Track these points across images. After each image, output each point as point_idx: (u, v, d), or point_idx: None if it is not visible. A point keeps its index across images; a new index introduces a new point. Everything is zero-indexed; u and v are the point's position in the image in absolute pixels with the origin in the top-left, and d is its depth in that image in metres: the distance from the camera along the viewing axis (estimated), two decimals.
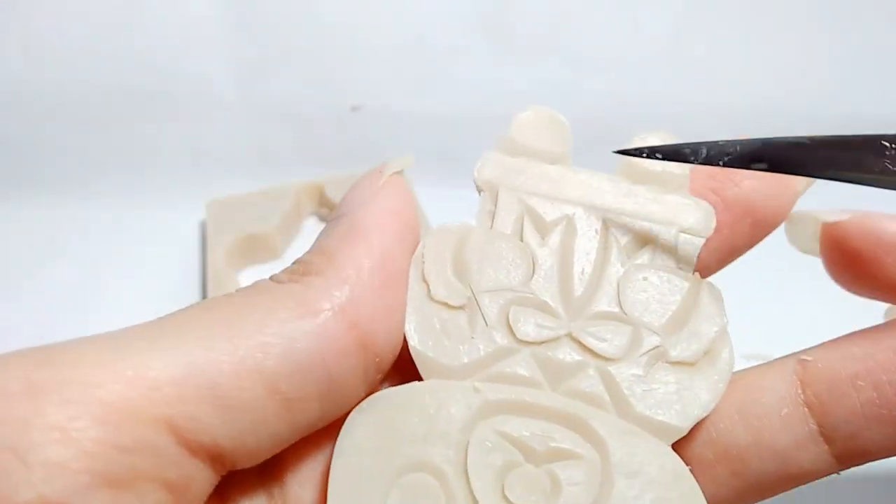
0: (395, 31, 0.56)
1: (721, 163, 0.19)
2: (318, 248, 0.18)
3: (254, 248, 0.49)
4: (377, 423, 0.18)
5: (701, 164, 0.19)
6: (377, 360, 0.18)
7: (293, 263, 0.18)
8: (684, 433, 0.18)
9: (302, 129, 0.56)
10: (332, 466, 0.17)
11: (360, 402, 0.18)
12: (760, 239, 0.21)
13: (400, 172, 0.20)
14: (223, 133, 0.56)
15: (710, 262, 0.21)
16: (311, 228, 0.53)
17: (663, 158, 0.19)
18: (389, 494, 0.17)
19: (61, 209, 0.54)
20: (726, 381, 0.19)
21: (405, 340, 0.19)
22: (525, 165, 0.21)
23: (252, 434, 0.16)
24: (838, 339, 0.19)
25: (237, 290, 0.18)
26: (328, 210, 0.54)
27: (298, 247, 0.53)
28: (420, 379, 0.18)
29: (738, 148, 0.18)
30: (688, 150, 0.19)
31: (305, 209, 0.53)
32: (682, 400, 0.18)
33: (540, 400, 0.18)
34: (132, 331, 0.16)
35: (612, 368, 0.19)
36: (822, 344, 0.19)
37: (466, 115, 0.56)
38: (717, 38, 0.58)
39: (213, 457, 0.16)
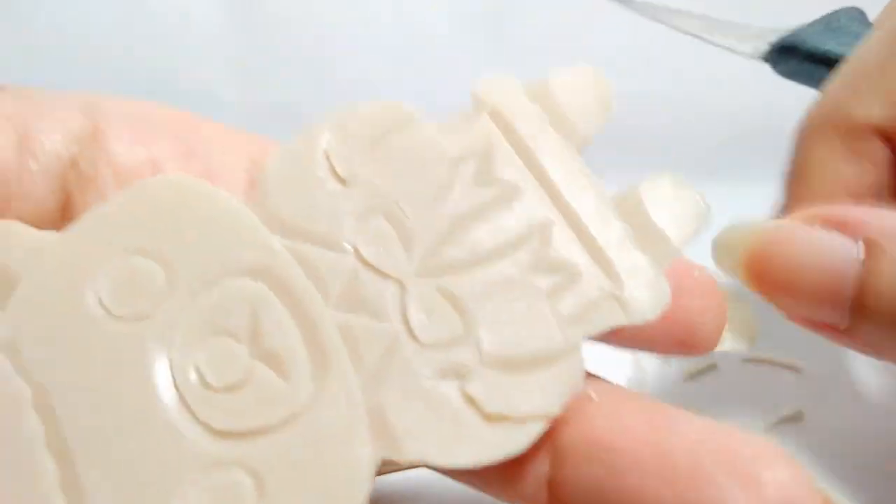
0: (394, 32, 0.56)
1: None
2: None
3: None
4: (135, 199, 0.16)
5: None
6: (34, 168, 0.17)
7: None
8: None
9: (302, 129, 0.56)
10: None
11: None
12: (674, 353, 0.18)
13: None
14: None
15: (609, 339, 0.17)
16: None
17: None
18: (101, 268, 0.14)
19: None
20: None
21: None
22: (535, 115, 0.18)
23: None
24: None
25: None
26: None
27: None
28: None
29: None
30: None
31: None
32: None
33: (311, 306, 0.15)
34: None
35: (408, 346, 0.15)
36: None
37: None
38: None
39: None
